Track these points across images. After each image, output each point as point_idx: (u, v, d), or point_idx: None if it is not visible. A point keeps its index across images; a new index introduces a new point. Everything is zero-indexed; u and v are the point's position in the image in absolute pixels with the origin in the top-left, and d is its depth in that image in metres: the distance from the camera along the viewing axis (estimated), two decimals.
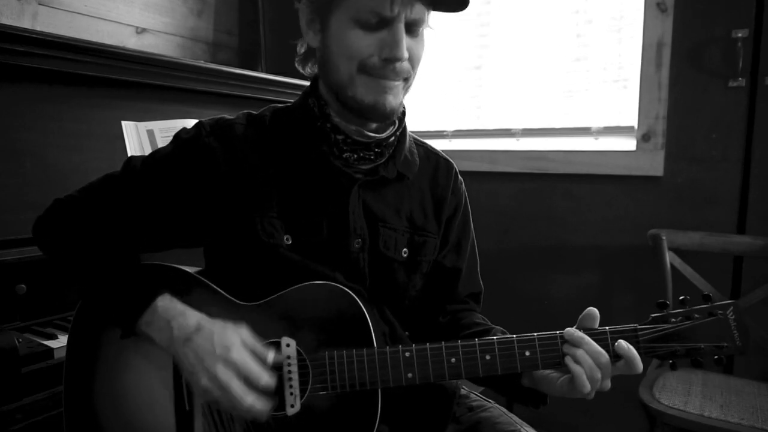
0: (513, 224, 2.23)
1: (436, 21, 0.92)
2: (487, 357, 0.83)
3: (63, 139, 1.42)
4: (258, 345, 0.82)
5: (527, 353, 0.83)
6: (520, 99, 2.30)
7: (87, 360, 0.95)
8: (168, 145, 0.97)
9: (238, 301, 0.90)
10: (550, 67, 2.22)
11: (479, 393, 1.12)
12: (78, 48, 1.40)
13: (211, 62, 2.21)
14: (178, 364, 0.84)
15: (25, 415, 1.10)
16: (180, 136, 0.96)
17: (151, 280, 0.91)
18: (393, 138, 0.96)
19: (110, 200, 0.95)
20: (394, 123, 0.96)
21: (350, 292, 0.87)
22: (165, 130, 1.58)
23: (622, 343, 0.82)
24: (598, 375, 0.80)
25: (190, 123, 1.58)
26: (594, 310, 0.86)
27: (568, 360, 0.82)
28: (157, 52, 2.06)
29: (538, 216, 2.18)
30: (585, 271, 2.10)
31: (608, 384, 0.82)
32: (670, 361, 0.85)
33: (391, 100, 0.88)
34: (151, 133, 1.57)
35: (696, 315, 0.84)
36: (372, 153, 0.94)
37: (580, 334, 0.83)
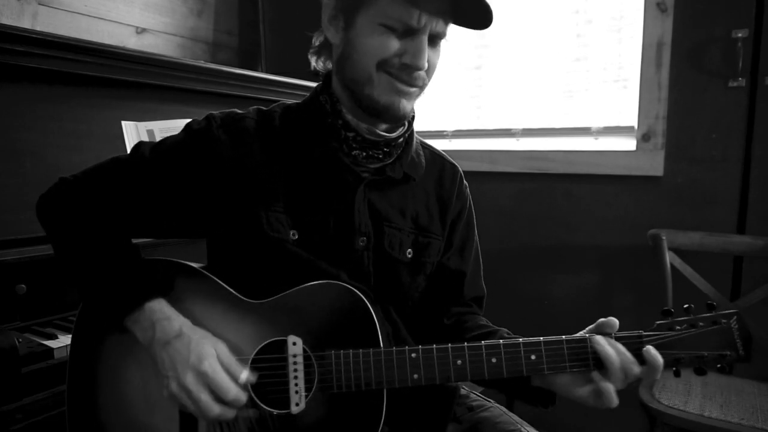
0: (513, 224, 2.23)
1: None
2: (493, 360, 0.83)
3: (63, 139, 1.42)
4: (233, 361, 0.84)
5: (533, 357, 0.83)
6: (520, 99, 2.30)
7: (90, 359, 0.94)
8: (178, 134, 0.97)
9: (244, 298, 0.90)
10: (550, 67, 2.22)
11: (479, 393, 1.12)
12: (78, 48, 1.40)
13: (211, 62, 2.21)
14: (156, 365, 0.84)
15: (25, 415, 1.10)
16: (191, 126, 0.97)
17: (148, 277, 0.91)
18: (402, 139, 0.97)
19: (116, 184, 0.95)
20: (404, 124, 0.97)
21: (357, 291, 0.87)
22: (165, 130, 1.58)
23: (651, 350, 0.82)
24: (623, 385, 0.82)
25: None
26: (615, 321, 0.85)
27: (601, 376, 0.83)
28: (157, 52, 2.06)
29: (538, 216, 2.18)
30: (585, 271, 2.10)
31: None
32: (674, 369, 0.85)
33: (405, 104, 0.90)
34: (151, 133, 1.57)
35: (700, 323, 0.84)
36: (380, 152, 0.95)
37: (620, 348, 0.82)
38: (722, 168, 1.83)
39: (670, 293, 1.77)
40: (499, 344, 0.84)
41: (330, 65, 0.97)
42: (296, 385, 0.84)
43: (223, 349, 0.84)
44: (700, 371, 0.84)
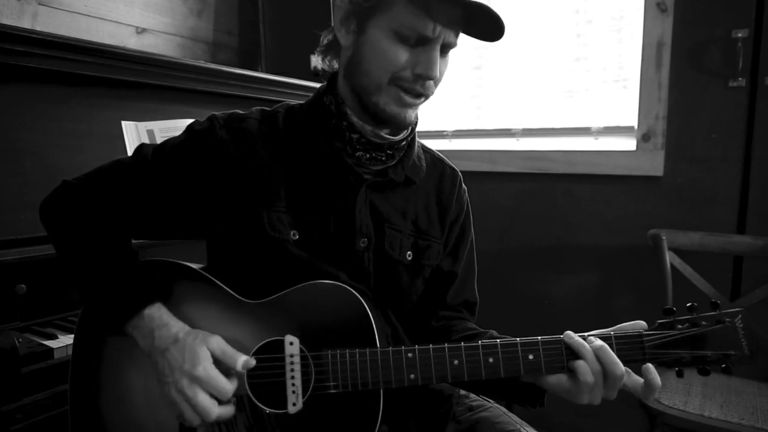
0: (513, 224, 2.23)
1: None
2: (491, 360, 0.83)
3: (63, 139, 1.42)
4: (229, 350, 0.84)
5: (531, 357, 0.83)
6: (520, 99, 2.30)
7: (93, 360, 0.95)
8: (180, 135, 0.97)
9: (241, 299, 0.90)
10: (550, 67, 2.22)
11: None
12: (78, 48, 1.40)
13: (211, 62, 2.21)
14: (157, 372, 0.85)
15: (25, 415, 1.10)
16: (193, 127, 0.97)
17: (147, 283, 0.91)
18: (404, 142, 0.97)
19: (118, 186, 0.95)
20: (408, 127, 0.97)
21: (355, 292, 0.87)
22: (165, 130, 1.58)
23: (650, 368, 0.80)
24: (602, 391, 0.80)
25: None
26: (643, 324, 0.83)
27: (578, 365, 0.80)
28: (157, 52, 2.06)
29: (538, 216, 2.18)
30: (585, 271, 2.10)
31: (614, 394, 0.81)
32: (677, 369, 0.83)
33: (411, 114, 0.91)
34: (151, 133, 1.57)
35: (703, 322, 0.82)
36: (384, 154, 0.95)
37: (601, 344, 0.80)
38: (722, 168, 1.83)
39: (670, 293, 1.77)
40: (496, 344, 0.83)
41: (336, 65, 0.97)
42: (293, 384, 0.84)
43: (217, 342, 0.84)
44: (703, 371, 0.82)
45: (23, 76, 1.34)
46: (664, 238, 1.80)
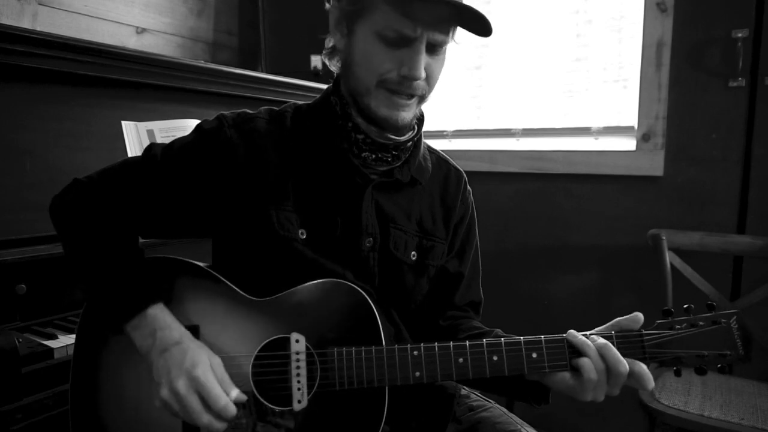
0: (513, 224, 2.23)
1: None
2: (495, 358, 0.84)
3: (63, 139, 1.42)
4: (226, 377, 0.83)
5: (534, 355, 0.84)
6: (520, 99, 2.30)
7: (94, 359, 0.94)
8: (189, 135, 0.98)
9: (247, 296, 0.91)
10: (550, 67, 2.22)
11: (480, 393, 1.12)
12: (78, 48, 1.40)
13: (211, 62, 2.21)
14: (151, 373, 0.84)
15: (25, 415, 1.10)
16: (202, 126, 0.97)
17: (151, 282, 0.91)
18: (410, 142, 0.97)
19: (129, 185, 0.95)
20: (413, 128, 0.97)
21: (361, 291, 0.88)
22: (165, 130, 1.58)
23: (639, 364, 0.82)
24: (605, 388, 0.82)
25: (191, 123, 1.58)
26: (639, 315, 0.85)
27: (582, 363, 0.82)
28: (157, 52, 2.06)
29: (538, 216, 2.18)
30: (585, 271, 2.10)
31: (617, 391, 0.83)
32: (674, 368, 0.86)
33: (404, 116, 0.90)
34: (151, 133, 1.57)
35: (700, 323, 0.85)
36: (389, 155, 0.95)
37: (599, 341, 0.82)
38: (722, 168, 1.83)
39: (670, 293, 1.77)
40: (501, 342, 0.84)
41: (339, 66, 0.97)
42: (298, 382, 0.84)
43: (218, 363, 0.84)
44: (700, 371, 0.85)
45: (23, 76, 1.34)
46: (664, 238, 1.80)
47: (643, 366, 0.82)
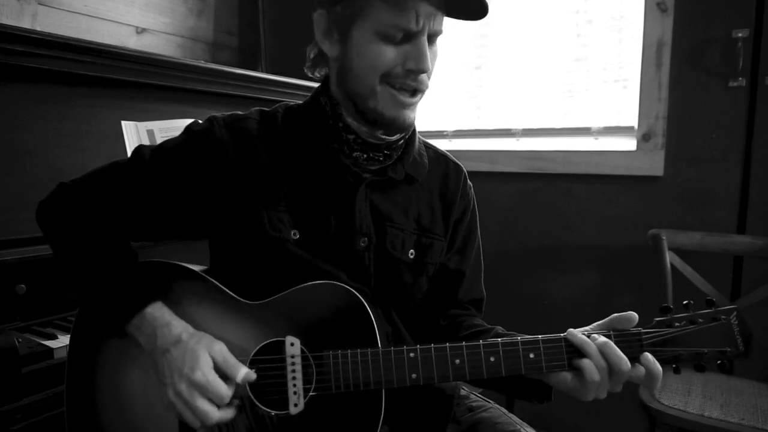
0: (513, 224, 2.23)
1: None
2: (492, 359, 0.83)
3: (63, 139, 1.42)
4: (231, 360, 0.83)
5: (532, 356, 0.83)
6: (520, 99, 2.30)
7: (89, 360, 0.94)
8: (178, 137, 0.97)
9: (242, 300, 0.90)
10: (550, 67, 2.22)
11: (479, 393, 1.12)
12: (78, 48, 1.40)
13: (211, 62, 2.21)
14: (158, 372, 0.85)
15: (25, 415, 1.10)
16: (191, 128, 0.96)
17: (147, 282, 0.91)
18: (402, 141, 0.97)
19: (116, 188, 0.95)
20: None
21: (355, 292, 0.87)
22: (165, 130, 1.58)
23: (649, 357, 0.81)
24: (607, 385, 0.81)
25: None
26: (634, 315, 0.84)
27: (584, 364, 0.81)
28: (157, 52, 2.06)
29: (538, 216, 2.18)
30: (585, 271, 2.10)
31: (619, 388, 0.82)
32: (674, 366, 0.84)
33: (410, 115, 0.90)
34: (151, 133, 1.57)
35: (700, 319, 0.84)
36: (381, 155, 0.95)
37: (605, 340, 0.81)
38: (722, 168, 1.83)
39: (670, 293, 1.77)
40: (498, 343, 0.83)
41: (326, 71, 0.97)
42: (294, 385, 0.84)
43: (220, 349, 0.84)
44: (699, 368, 0.84)
45: (23, 76, 1.34)
46: (664, 238, 1.80)
47: (658, 366, 0.80)
